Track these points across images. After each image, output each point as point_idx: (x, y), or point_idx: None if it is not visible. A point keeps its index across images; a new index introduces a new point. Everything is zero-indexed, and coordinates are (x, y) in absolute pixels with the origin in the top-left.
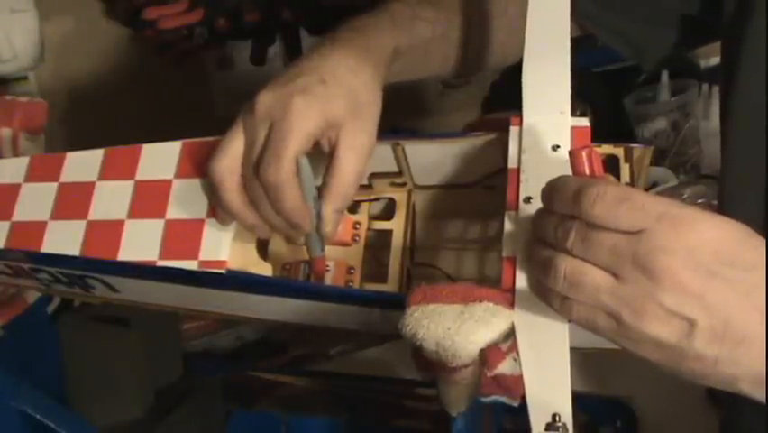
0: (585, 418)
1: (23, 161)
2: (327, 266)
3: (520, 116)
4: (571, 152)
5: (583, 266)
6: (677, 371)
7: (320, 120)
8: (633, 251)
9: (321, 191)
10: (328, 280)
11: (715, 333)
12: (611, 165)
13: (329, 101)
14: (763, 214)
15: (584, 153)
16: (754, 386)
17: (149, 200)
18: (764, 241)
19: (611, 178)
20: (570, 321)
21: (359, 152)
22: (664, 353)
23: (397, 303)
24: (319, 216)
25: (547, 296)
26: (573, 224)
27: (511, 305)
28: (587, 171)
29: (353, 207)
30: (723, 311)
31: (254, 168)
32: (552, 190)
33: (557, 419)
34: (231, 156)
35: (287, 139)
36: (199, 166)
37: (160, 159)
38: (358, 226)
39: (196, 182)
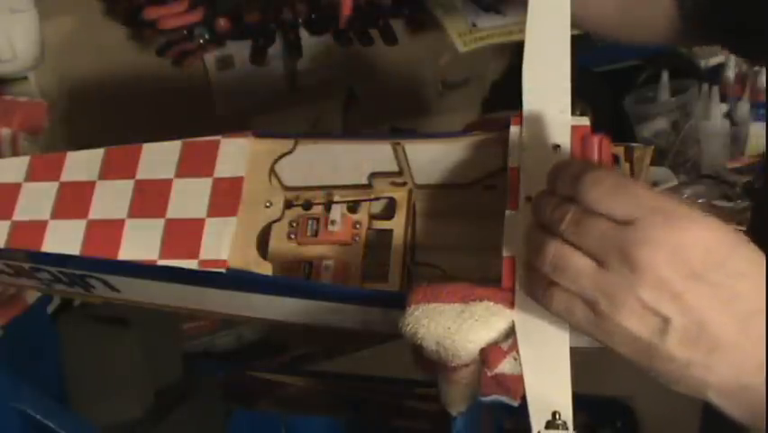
0: (585, 418)
1: (23, 161)
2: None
3: (520, 116)
4: (584, 136)
5: (570, 251)
6: (649, 369)
7: None
8: (620, 239)
9: None
10: (328, 279)
11: (689, 335)
12: None
13: None
14: None
15: (596, 139)
16: (722, 397)
17: (149, 200)
18: (759, 252)
19: (617, 168)
20: (551, 312)
21: None
22: (636, 348)
23: (397, 302)
24: None
25: (533, 281)
26: (570, 207)
27: (511, 304)
28: (594, 157)
29: (354, 207)
30: (700, 314)
31: None
32: (556, 170)
33: (557, 416)
34: None
35: None
36: (199, 166)
37: (160, 158)
38: (358, 226)
39: (196, 182)
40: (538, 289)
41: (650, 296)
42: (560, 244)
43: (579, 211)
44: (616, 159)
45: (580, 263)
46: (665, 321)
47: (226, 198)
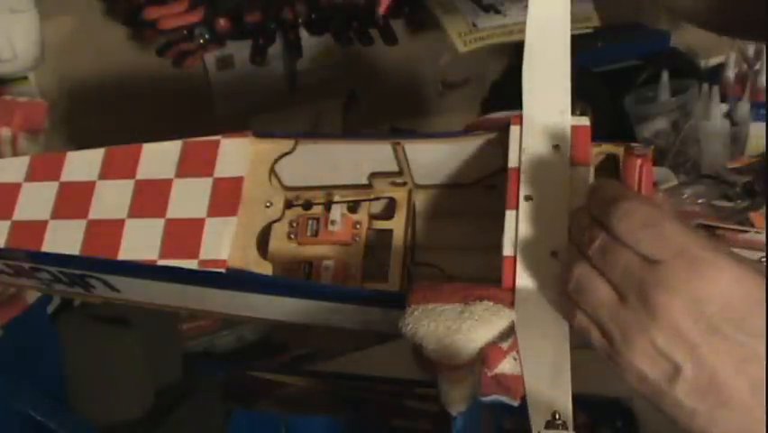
0: (585, 418)
1: (24, 161)
2: None
3: (520, 116)
4: (625, 157)
5: (594, 277)
6: (656, 406)
7: None
8: (642, 279)
9: None
10: (328, 279)
11: (698, 386)
12: (611, 164)
13: None
14: None
15: (638, 162)
16: None
17: (149, 200)
18: None
19: (657, 198)
20: (572, 326)
21: None
22: (646, 387)
23: (397, 302)
24: None
25: (563, 293)
26: (600, 232)
27: (511, 304)
28: (635, 181)
29: (354, 207)
30: (713, 369)
31: None
32: (594, 190)
33: (557, 416)
34: None
35: None
36: (199, 166)
37: (160, 158)
38: (358, 226)
39: (196, 182)
40: (566, 301)
41: (663, 341)
42: (587, 266)
43: (608, 239)
44: (615, 158)
45: (601, 292)
46: (676, 369)
47: (226, 198)
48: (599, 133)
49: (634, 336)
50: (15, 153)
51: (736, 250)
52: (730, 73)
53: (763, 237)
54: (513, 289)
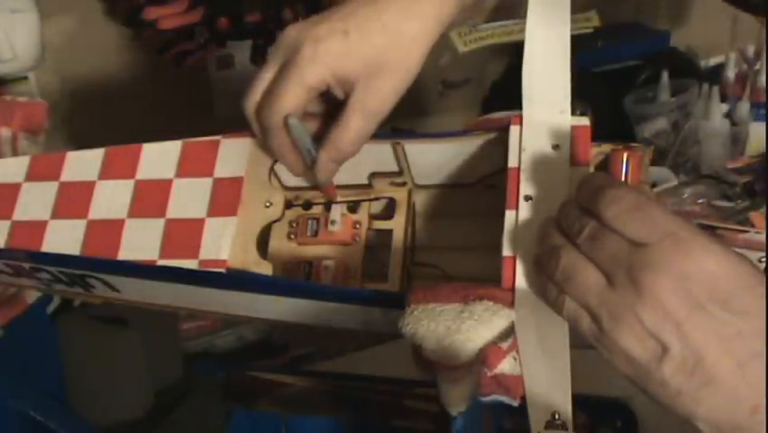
0: (585, 418)
1: (24, 161)
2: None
3: (520, 116)
4: (611, 151)
5: (583, 263)
6: (643, 390)
7: (326, 74)
8: (630, 260)
9: (322, 139)
10: (328, 279)
11: (685, 365)
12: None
13: (343, 57)
14: None
15: (624, 155)
16: (711, 429)
17: (149, 200)
18: None
19: (644, 188)
20: (562, 316)
21: (365, 113)
22: (633, 368)
23: (397, 302)
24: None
25: (544, 285)
26: (590, 221)
27: (511, 304)
28: (621, 174)
29: (354, 207)
30: (699, 347)
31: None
32: (582, 182)
33: (557, 417)
34: (257, 92)
35: (285, 87)
36: (199, 166)
37: (160, 158)
38: (358, 226)
39: (196, 182)
40: (551, 292)
41: (651, 320)
42: (574, 253)
43: (596, 226)
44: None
45: (590, 278)
46: (664, 348)
47: (226, 197)
48: (599, 133)
49: (621, 316)
50: (15, 153)
51: (735, 250)
52: (730, 73)
53: (763, 237)
54: (513, 289)
